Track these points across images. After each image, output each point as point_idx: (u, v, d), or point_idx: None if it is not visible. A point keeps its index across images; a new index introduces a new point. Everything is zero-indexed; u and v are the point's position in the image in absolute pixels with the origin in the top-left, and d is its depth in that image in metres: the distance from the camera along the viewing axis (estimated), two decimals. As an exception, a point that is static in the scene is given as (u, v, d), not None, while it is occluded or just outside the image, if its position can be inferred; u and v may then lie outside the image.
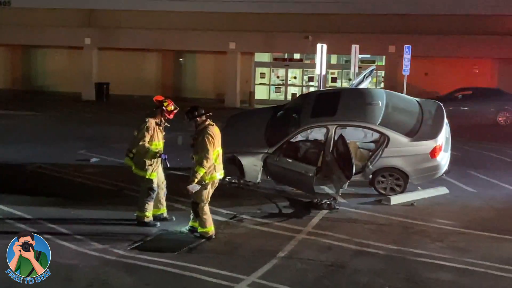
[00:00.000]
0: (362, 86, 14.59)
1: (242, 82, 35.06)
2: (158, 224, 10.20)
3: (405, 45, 21.33)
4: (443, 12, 31.22)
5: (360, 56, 32.39)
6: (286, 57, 36.95)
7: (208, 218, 9.61)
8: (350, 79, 36.56)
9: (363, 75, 14.85)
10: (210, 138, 9.21)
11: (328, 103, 13.30)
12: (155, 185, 10.08)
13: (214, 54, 36.31)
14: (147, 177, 9.99)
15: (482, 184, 14.04)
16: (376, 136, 12.97)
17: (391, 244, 9.42)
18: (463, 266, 8.52)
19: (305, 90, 36.92)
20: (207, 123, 9.42)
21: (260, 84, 36.72)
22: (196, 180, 9.22)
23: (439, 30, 31.09)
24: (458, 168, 14.50)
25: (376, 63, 34.62)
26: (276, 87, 37.19)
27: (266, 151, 12.45)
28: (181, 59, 38.08)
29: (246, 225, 10.45)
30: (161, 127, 10.10)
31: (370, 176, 12.59)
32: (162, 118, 10.09)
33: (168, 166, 10.22)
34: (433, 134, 12.47)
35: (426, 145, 12.34)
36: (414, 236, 9.97)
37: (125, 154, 10.35)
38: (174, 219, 10.47)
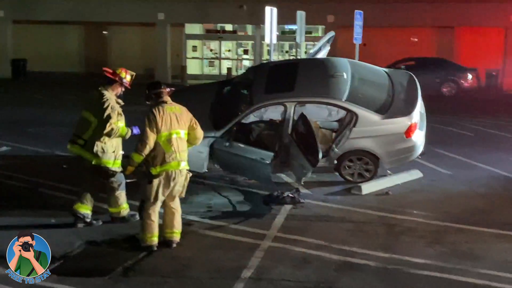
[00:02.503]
0: (320, 55, 12.62)
1: (173, 56, 32.83)
2: (137, 216, 8.15)
3: (356, 11, 19.47)
4: (380, -20, 29.76)
5: (294, 26, 30.76)
6: (218, 29, 34.80)
7: (151, 223, 7.53)
8: (287, 51, 34.90)
9: (320, 43, 12.88)
10: (151, 118, 7.37)
11: (284, 77, 11.27)
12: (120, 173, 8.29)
13: (141, 26, 33.84)
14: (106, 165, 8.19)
15: (454, 164, 12.52)
16: (342, 114, 11.07)
17: (380, 251, 7.54)
18: (482, 281, 6.67)
19: (239, 64, 35.04)
20: (160, 100, 7.55)
21: (192, 58, 34.55)
22: (130, 169, 7.55)
23: (376, -1, 29.57)
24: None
25: (313, 34, 33.03)
26: (209, 61, 35.08)
27: (212, 135, 10.27)
28: (105, 32, 35.29)
29: (196, 229, 8.36)
30: (119, 105, 8.23)
31: (335, 161, 10.73)
32: (121, 92, 8.29)
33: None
34: (407, 110, 10.67)
35: (400, 123, 10.54)
36: (404, 237, 8.14)
37: (70, 141, 8.34)
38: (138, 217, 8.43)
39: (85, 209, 8.37)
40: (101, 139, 8.07)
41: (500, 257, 7.43)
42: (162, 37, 32.04)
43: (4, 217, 8.61)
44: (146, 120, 7.42)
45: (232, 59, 35.11)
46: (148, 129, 7.36)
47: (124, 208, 8.49)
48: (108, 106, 7.98)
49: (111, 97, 8.15)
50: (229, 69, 32.04)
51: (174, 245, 7.64)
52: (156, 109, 7.45)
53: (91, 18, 32.28)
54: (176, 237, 7.69)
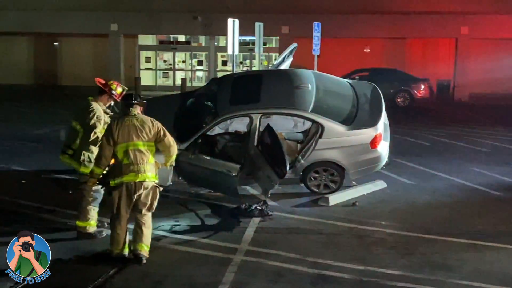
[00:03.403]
0: (283, 66, 12.58)
1: (126, 67, 32.36)
2: (104, 232, 8.31)
3: (314, 22, 19.57)
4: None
5: (248, 37, 30.79)
6: (172, 39, 34.53)
7: (115, 236, 7.46)
8: (241, 62, 34.88)
9: (284, 55, 12.84)
10: (108, 129, 7.45)
11: (249, 88, 11.18)
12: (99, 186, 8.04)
13: (93, 37, 33.26)
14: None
15: (416, 174, 12.64)
16: (307, 125, 11.04)
17: (354, 263, 7.49)
18: (459, 291, 6.73)
19: (193, 75, 34.83)
20: (125, 112, 7.56)
21: (146, 69, 34.15)
22: (92, 180, 7.61)
23: (328, 9, 29.77)
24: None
25: (267, 45, 33.10)
26: (163, 72, 34.72)
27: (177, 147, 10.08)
28: (55, 43, 34.57)
29: (165, 245, 8.16)
30: (108, 115, 8.36)
31: (301, 173, 10.68)
32: (110, 104, 8.39)
33: None
34: (372, 121, 10.72)
35: (365, 134, 10.57)
36: (376, 248, 8.12)
37: (61, 151, 8.38)
38: (106, 225, 8.42)
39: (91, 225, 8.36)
40: (88, 148, 8.10)
41: (472, 266, 7.47)
42: (115, 48, 31.53)
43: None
44: (104, 132, 7.56)
45: (186, 70, 34.85)
46: (104, 141, 7.41)
47: (92, 225, 8.29)
48: (94, 115, 8.05)
49: (98, 107, 8.18)
50: (183, 80, 31.70)
51: (144, 260, 7.44)
52: (115, 122, 7.45)
53: (41, 29, 31.50)
54: (144, 252, 7.50)
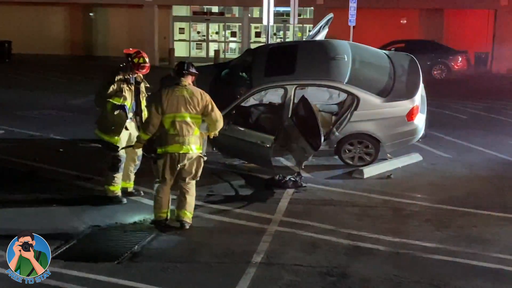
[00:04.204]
0: (319, 37, 12.45)
1: (160, 38, 32.41)
2: (125, 200, 8.54)
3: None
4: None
5: (281, 8, 30.51)
6: (205, 10, 34.45)
7: (159, 199, 7.62)
8: (275, 34, 34.65)
9: (319, 26, 12.70)
10: (158, 98, 7.43)
11: (284, 59, 11.12)
12: (120, 152, 8.28)
13: (128, 8, 33.35)
14: (106, 139, 8.27)
15: (452, 147, 12.51)
16: (342, 97, 10.96)
17: (390, 235, 7.47)
18: (496, 265, 6.62)
19: (226, 46, 34.75)
20: (176, 81, 7.52)
21: (179, 40, 34.18)
22: (138, 145, 7.79)
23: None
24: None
25: (302, 16, 32.78)
26: (197, 43, 34.72)
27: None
28: (91, 14, 34.78)
29: (200, 214, 8.22)
30: (130, 85, 8.25)
31: (335, 145, 10.64)
32: (131, 74, 8.27)
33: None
34: (409, 93, 10.59)
35: (402, 106, 10.46)
36: (411, 220, 8.08)
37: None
38: (143, 194, 8.77)
39: (127, 185, 8.72)
40: (102, 111, 8.27)
41: (509, 240, 7.40)
42: (149, 19, 31.61)
43: (4, 202, 8.38)
44: (152, 100, 7.51)
45: (219, 42, 34.80)
46: (153, 109, 7.40)
47: (111, 190, 8.48)
48: (104, 79, 8.25)
49: (117, 75, 8.17)
50: (216, 52, 31.72)
51: (187, 226, 7.59)
52: (165, 91, 7.42)
53: (76, 0, 31.75)
54: (187, 218, 7.64)
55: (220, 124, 7.69)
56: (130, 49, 8.41)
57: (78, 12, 34.59)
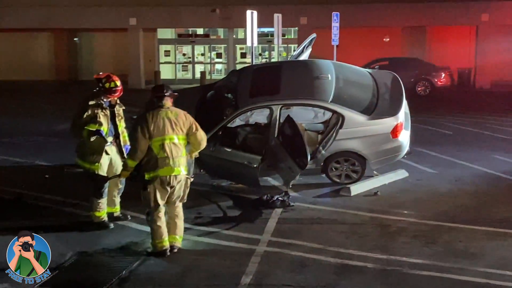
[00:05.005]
0: (302, 57, 12.56)
1: (146, 61, 32.49)
2: (112, 225, 8.49)
3: (333, 12, 19.50)
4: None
5: (267, 29, 30.71)
6: (190, 33, 34.62)
7: (158, 229, 7.44)
8: (260, 54, 34.84)
9: (303, 46, 12.82)
10: (144, 122, 7.27)
11: (268, 80, 11.19)
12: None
13: (113, 32, 33.44)
14: (87, 167, 8.22)
15: (437, 162, 12.58)
16: (328, 115, 11.02)
17: (377, 252, 7.50)
18: (483, 280, 6.66)
19: (212, 67, 34.89)
20: (158, 104, 7.44)
21: (165, 62, 34.28)
22: (124, 173, 7.65)
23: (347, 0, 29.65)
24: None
25: (286, 36, 33.00)
26: (182, 65, 34.84)
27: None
28: (76, 39, 34.84)
29: (188, 236, 8.20)
30: (105, 110, 8.20)
31: (322, 163, 10.68)
32: (104, 99, 8.22)
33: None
34: (393, 110, 10.68)
35: (386, 124, 10.54)
36: (398, 237, 8.12)
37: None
38: (130, 218, 8.74)
39: (113, 210, 8.70)
40: (80, 139, 8.25)
41: (496, 254, 7.44)
42: (134, 42, 31.70)
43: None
44: (137, 125, 7.32)
45: (205, 63, 34.94)
46: (139, 135, 7.27)
47: (96, 216, 8.46)
48: (79, 105, 8.18)
49: (91, 101, 8.13)
50: (202, 73, 31.85)
51: (176, 249, 7.54)
52: (150, 114, 7.34)
53: (61, 25, 31.78)
54: (178, 242, 7.62)
55: (204, 143, 7.68)
56: (101, 73, 8.32)
57: (63, 37, 34.62)
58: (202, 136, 7.59)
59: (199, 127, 7.57)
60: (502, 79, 29.41)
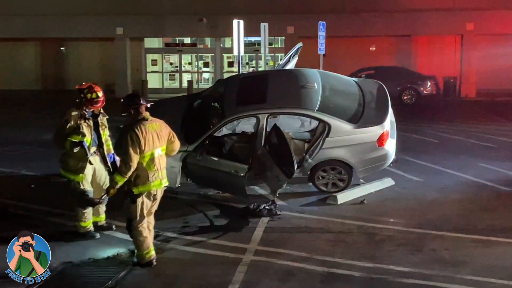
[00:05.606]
0: (289, 66, 12.61)
1: (133, 70, 32.44)
2: (98, 235, 8.50)
3: (319, 22, 19.59)
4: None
5: (253, 38, 30.79)
6: (177, 42, 34.63)
7: (144, 240, 7.39)
8: (247, 63, 34.91)
9: (289, 55, 12.88)
10: (134, 138, 7.07)
11: (255, 89, 11.23)
12: (85, 187, 8.19)
13: (100, 42, 33.36)
14: (71, 179, 8.18)
15: (423, 170, 12.65)
16: (314, 124, 11.07)
17: (364, 261, 7.53)
18: (468, 287, 6.73)
19: (200, 76, 34.91)
20: (140, 117, 7.26)
21: (152, 71, 34.25)
22: (112, 191, 7.32)
23: (332, 9, 29.79)
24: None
25: (273, 46, 33.10)
26: (170, 74, 34.82)
27: (185, 149, 10.12)
28: (62, 48, 34.73)
29: (175, 246, 8.22)
30: (88, 121, 8.15)
31: (309, 172, 10.71)
32: (87, 109, 8.15)
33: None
34: (379, 119, 10.75)
35: (372, 132, 10.59)
36: (384, 245, 8.15)
37: None
38: (115, 228, 8.68)
39: (98, 219, 8.70)
40: (63, 150, 8.20)
41: (481, 262, 7.49)
42: (121, 51, 31.65)
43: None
44: (129, 140, 7.07)
45: (192, 72, 34.94)
46: (131, 150, 7.05)
47: (81, 226, 8.46)
48: (62, 116, 8.10)
49: (73, 112, 8.07)
50: (190, 82, 31.85)
51: (154, 262, 7.49)
52: (139, 129, 7.12)
53: (48, 34, 31.64)
54: (154, 253, 7.58)
55: (176, 151, 7.74)
56: (83, 83, 8.24)
57: (49, 47, 34.49)
58: (178, 145, 7.66)
59: (175, 135, 7.61)
60: (487, 87, 29.64)
